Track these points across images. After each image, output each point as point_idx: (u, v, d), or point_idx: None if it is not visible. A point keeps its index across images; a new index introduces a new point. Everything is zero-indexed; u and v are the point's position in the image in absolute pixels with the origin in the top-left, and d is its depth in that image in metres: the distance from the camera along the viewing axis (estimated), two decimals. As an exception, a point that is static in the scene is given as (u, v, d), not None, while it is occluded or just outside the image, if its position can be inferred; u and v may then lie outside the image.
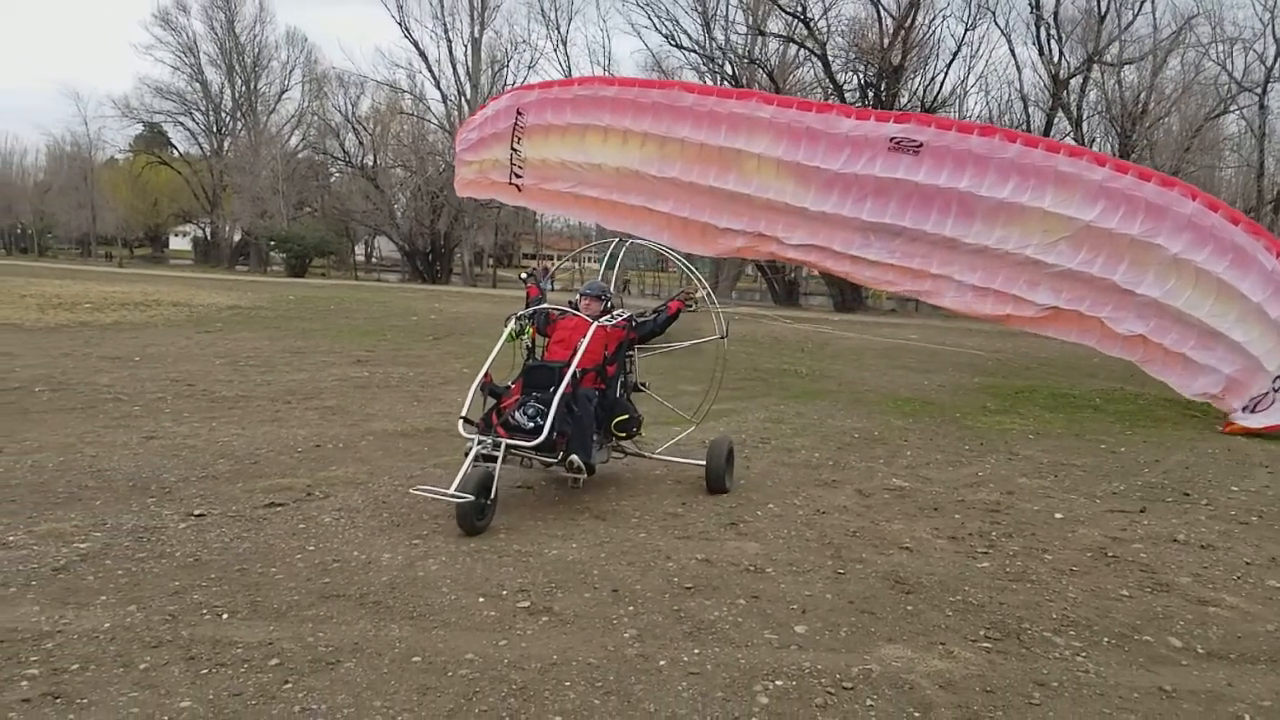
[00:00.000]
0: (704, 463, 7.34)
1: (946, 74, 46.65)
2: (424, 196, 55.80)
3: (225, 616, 4.36)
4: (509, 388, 6.68)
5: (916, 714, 3.77)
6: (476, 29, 55.21)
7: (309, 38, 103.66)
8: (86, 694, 3.55)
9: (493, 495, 5.92)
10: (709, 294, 8.18)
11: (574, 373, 6.47)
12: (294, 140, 67.69)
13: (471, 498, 5.68)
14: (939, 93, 45.88)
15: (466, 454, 6.14)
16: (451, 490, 5.71)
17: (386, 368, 13.78)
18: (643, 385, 7.76)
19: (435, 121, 58.18)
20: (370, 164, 60.13)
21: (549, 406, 6.18)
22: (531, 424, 6.19)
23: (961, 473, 8.60)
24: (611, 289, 7.86)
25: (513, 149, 9.29)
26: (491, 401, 6.55)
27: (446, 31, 55.68)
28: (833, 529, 6.46)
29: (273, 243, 61.04)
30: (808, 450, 9.24)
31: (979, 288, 7.66)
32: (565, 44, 55.98)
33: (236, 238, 70.90)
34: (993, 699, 3.94)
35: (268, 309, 24.57)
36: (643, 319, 7.52)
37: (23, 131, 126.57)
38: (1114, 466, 9.21)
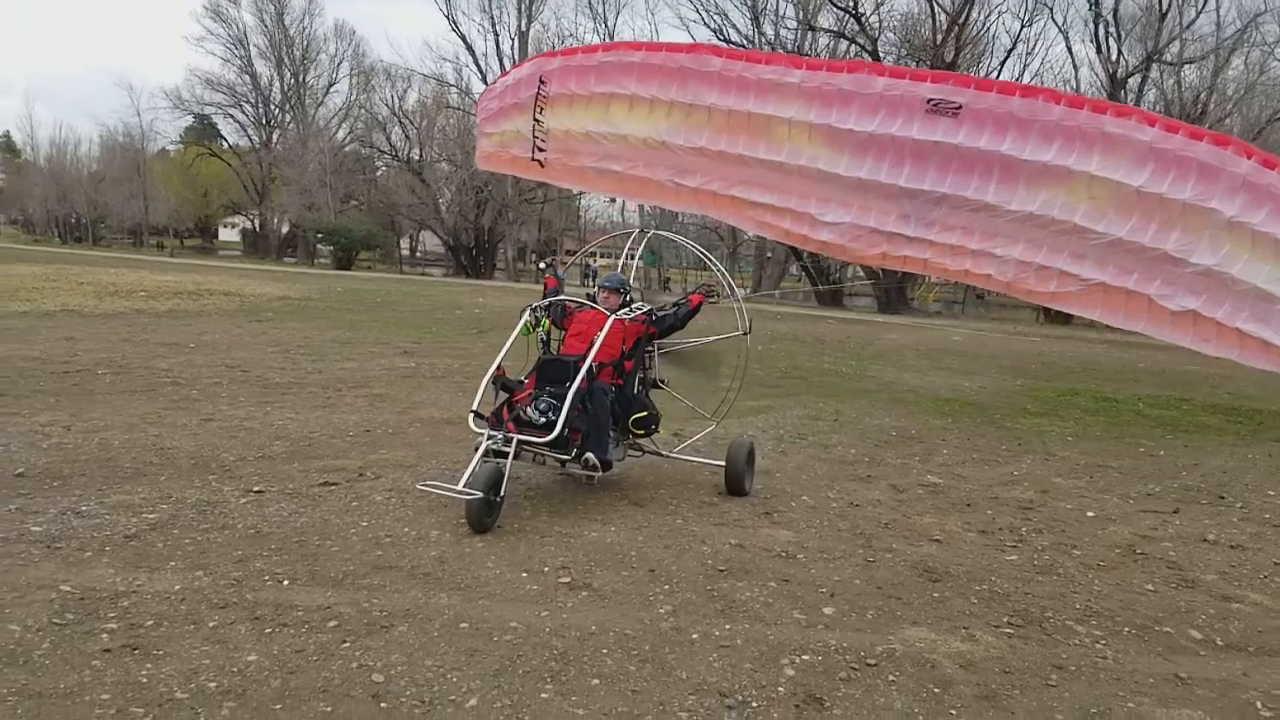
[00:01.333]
0: (723, 463, 7.19)
1: (1000, 72, 46.18)
2: (469, 191, 56.42)
3: (286, 583, 4.65)
4: (522, 382, 6.51)
5: (936, 690, 3.95)
6: (524, 22, 55.70)
7: (357, 30, 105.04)
8: (161, 647, 3.85)
9: (502, 492, 5.76)
10: (731, 288, 7.99)
11: (589, 367, 6.30)
12: (341, 133, 68.74)
13: (480, 495, 5.53)
14: (991, 91, 45.39)
15: (476, 449, 6.00)
16: (459, 486, 5.59)
17: (432, 359, 14.12)
18: (662, 382, 7.55)
19: (481, 116, 58.71)
20: (416, 158, 60.88)
21: (562, 402, 6.00)
22: (544, 419, 6.01)
23: (997, 471, 8.70)
24: (631, 282, 7.70)
25: (535, 120, 8.58)
26: (504, 396, 6.37)
27: (494, 24, 56.14)
28: (865, 520, 6.62)
29: (320, 235, 62.01)
30: (844, 447, 9.38)
31: (1022, 262, 7.41)
32: (613, 37, 55.93)
33: (284, 230, 72.12)
34: (1010, 679, 4.10)
35: (316, 300, 25.13)
36: (663, 313, 7.22)
37: (77, 122, 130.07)
38: (1151, 469, 9.25)
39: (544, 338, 6.98)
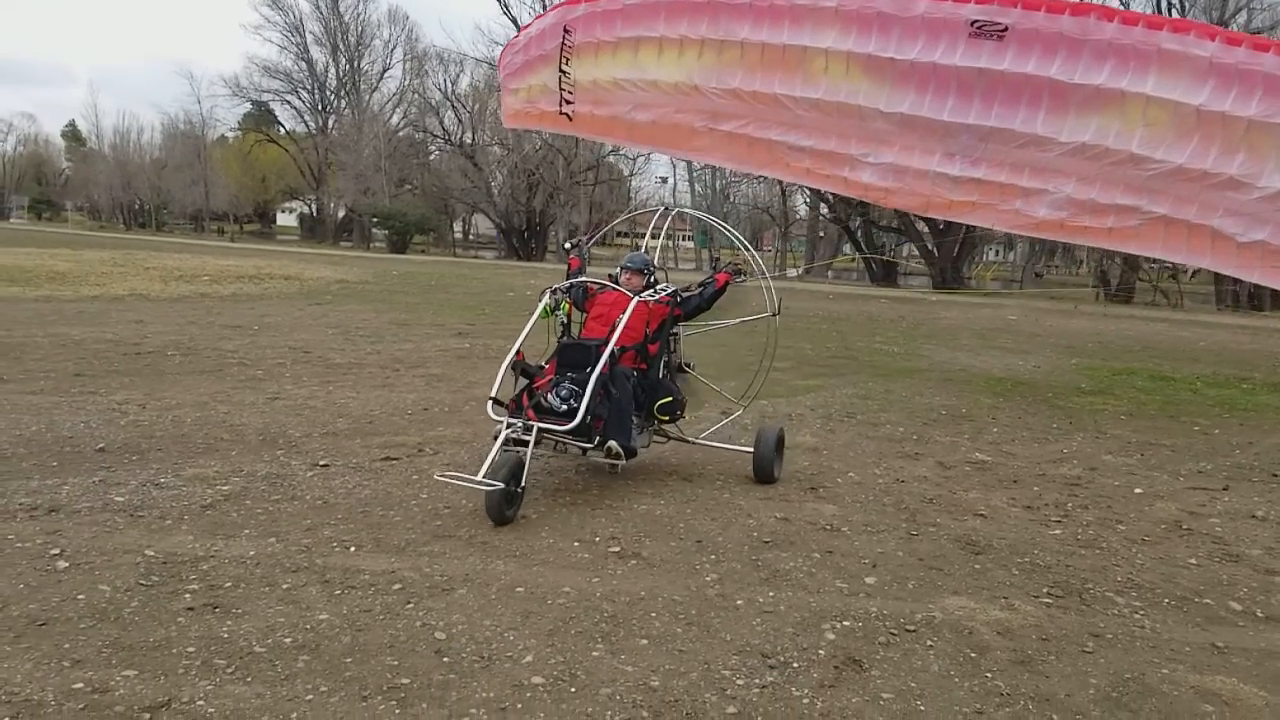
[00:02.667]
0: (751, 450, 6.87)
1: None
2: (520, 174, 56.91)
3: (353, 549, 4.93)
4: (542, 367, 6.32)
5: (973, 654, 4.08)
6: (574, 7, 55.73)
7: (410, 16, 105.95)
8: (240, 606, 4.13)
9: (523, 483, 5.56)
10: (759, 267, 7.64)
11: (612, 351, 6.08)
12: (395, 118, 69.71)
13: (500, 485, 5.28)
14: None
15: (495, 438, 5.77)
16: (479, 477, 5.35)
17: (486, 340, 14.41)
18: (688, 366, 7.19)
19: (532, 100, 59.10)
20: (469, 142, 61.47)
21: (584, 388, 5.79)
22: (565, 406, 5.82)
23: (1046, 449, 8.71)
24: (655, 261, 7.39)
25: (561, 71, 8.08)
26: (524, 382, 6.16)
27: (545, 7, 56.05)
28: (910, 496, 6.72)
29: (375, 219, 63.01)
30: (893, 425, 9.45)
31: (1075, 199, 6.87)
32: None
33: (341, 214, 73.37)
34: (1047, 646, 4.22)
35: (373, 283, 25.67)
36: (688, 293, 6.88)
37: (140, 110, 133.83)
38: (1204, 447, 9.18)
39: (564, 321, 6.76)
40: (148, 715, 3.19)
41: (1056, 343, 19.28)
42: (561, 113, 8.79)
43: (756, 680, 3.72)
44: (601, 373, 5.90)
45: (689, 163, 60.92)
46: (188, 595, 4.23)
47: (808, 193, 56.60)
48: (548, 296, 6.54)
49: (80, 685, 3.37)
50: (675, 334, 7.02)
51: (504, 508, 5.38)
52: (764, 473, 6.77)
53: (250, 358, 11.25)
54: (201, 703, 3.29)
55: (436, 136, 64.82)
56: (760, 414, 8.76)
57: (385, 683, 3.51)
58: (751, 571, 4.95)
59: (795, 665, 3.88)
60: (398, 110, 70.09)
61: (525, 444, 5.68)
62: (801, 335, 17.67)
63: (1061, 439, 9.23)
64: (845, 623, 4.34)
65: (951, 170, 7.19)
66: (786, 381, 11.76)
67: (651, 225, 8.01)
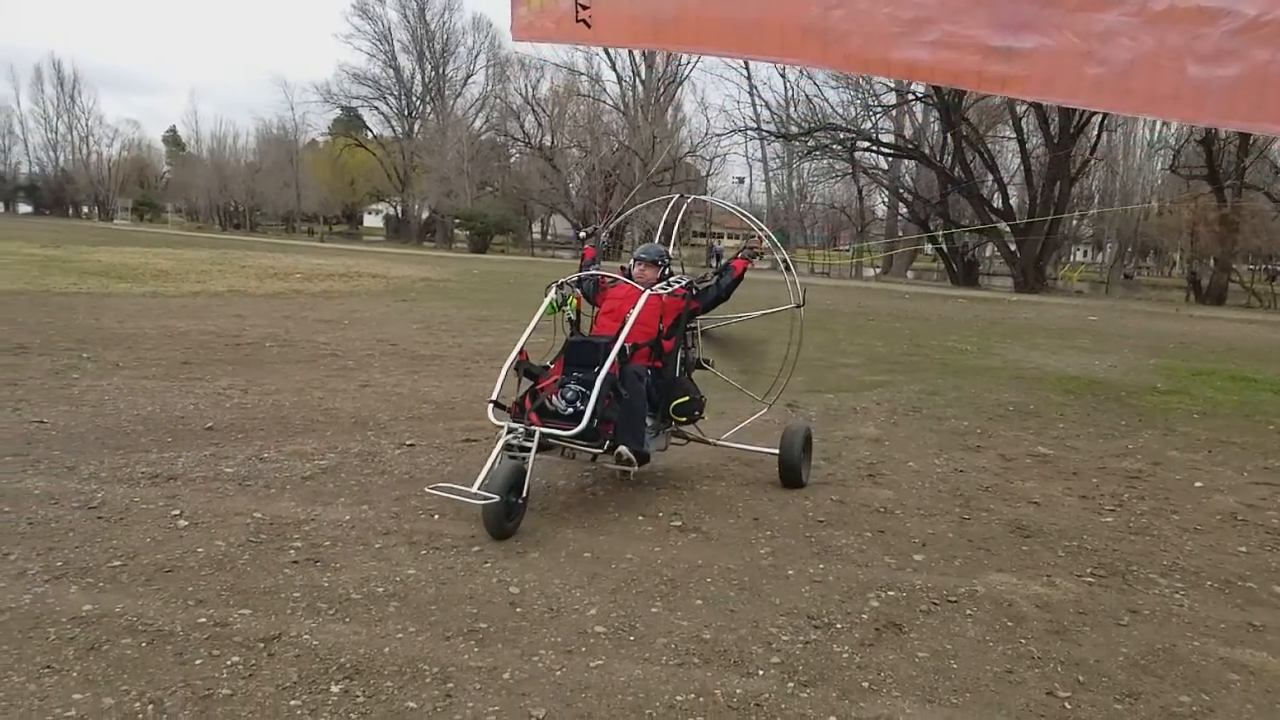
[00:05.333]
0: (776, 451, 6.48)
1: None
2: (597, 176, 57.76)
3: (436, 517, 5.39)
4: (548, 367, 5.88)
5: (1010, 623, 4.33)
6: (653, 10, 56.17)
7: (493, 23, 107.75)
8: (338, 560, 4.62)
9: (525, 494, 5.12)
10: (777, 247, 7.15)
11: (621, 348, 5.64)
12: (478, 123, 71.27)
13: (496, 498, 4.84)
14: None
15: (498, 443, 5.38)
16: (475, 489, 4.97)
17: (561, 335, 14.85)
18: (706, 362, 6.72)
19: (610, 102, 60.00)
20: (548, 144, 62.57)
21: (591, 388, 5.36)
22: (571, 409, 5.40)
23: (1111, 444, 8.77)
24: (671, 251, 6.88)
25: None
26: (528, 383, 5.76)
27: None
28: (967, 484, 6.92)
29: (457, 220, 64.54)
30: (958, 419, 9.59)
31: (1139, 69, 6.58)
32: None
33: (424, 215, 75.27)
34: (1084, 619, 4.44)
35: (455, 282, 26.49)
36: (704, 284, 6.40)
37: (237, 116, 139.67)
38: (1276, 445, 9.12)
39: (572, 317, 6.32)
40: (263, 644, 3.67)
41: (1137, 343, 19.01)
42: (579, 20, 8.39)
43: (801, 637, 4.04)
44: (610, 372, 5.48)
45: (764, 162, 60.91)
46: (292, 551, 4.72)
47: (886, 192, 56.14)
48: (554, 291, 6.10)
49: (203, 620, 3.86)
50: (692, 329, 6.58)
51: (503, 520, 4.96)
52: (790, 476, 6.41)
53: (341, 349, 11.91)
54: (307, 637, 3.76)
55: (517, 140, 66.23)
56: (825, 408, 9.01)
57: (465, 626, 3.94)
58: (804, 546, 5.26)
59: (838, 626, 4.19)
60: (480, 115, 71.81)
61: (528, 450, 5.28)
62: (873, 333, 17.79)
63: (1128, 435, 9.27)
64: (890, 593, 4.63)
65: (1002, 42, 6.86)
66: (855, 377, 11.98)
67: (666, 214, 7.66)
